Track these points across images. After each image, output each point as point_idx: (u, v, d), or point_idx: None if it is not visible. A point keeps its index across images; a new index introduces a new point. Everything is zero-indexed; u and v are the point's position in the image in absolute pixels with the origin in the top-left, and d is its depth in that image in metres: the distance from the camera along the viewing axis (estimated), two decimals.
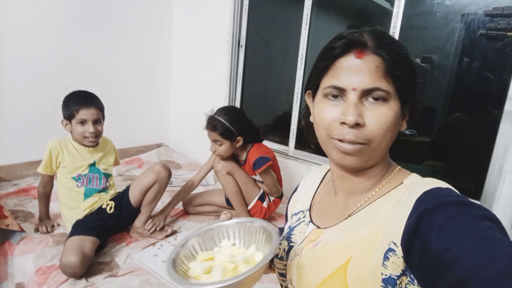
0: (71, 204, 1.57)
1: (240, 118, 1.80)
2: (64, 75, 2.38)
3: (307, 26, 2.22)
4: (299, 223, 0.73)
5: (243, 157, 1.86)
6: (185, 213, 2.00)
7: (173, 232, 1.74)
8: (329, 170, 0.79)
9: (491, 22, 0.97)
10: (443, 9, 1.73)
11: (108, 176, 1.67)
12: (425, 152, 2.06)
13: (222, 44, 2.62)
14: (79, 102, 1.54)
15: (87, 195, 1.58)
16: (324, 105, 0.59)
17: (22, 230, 1.56)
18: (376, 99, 0.55)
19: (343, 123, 0.56)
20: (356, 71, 0.55)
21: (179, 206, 2.06)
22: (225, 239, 0.70)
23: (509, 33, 0.94)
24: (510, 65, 1.55)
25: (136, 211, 1.67)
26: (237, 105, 2.73)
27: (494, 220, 0.47)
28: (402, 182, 0.60)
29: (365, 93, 0.55)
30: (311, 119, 0.66)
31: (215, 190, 2.08)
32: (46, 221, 1.66)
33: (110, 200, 1.64)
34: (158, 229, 1.71)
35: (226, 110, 1.80)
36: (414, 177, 0.61)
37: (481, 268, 0.40)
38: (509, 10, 0.93)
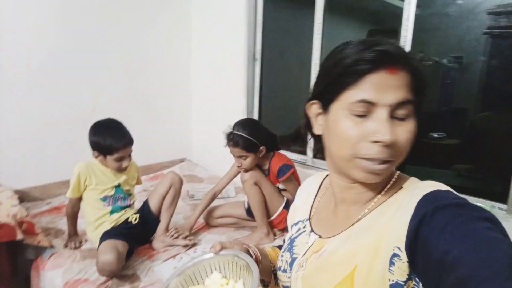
0: (99, 219, 1.65)
1: (258, 128, 1.83)
2: (91, 96, 2.53)
3: (319, 36, 2.23)
4: (299, 234, 0.73)
5: (266, 166, 1.89)
6: (206, 225, 2.03)
7: (193, 244, 1.77)
8: (325, 177, 0.79)
9: (495, 21, 0.94)
10: (455, 9, 1.68)
11: (130, 195, 1.77)
12: (454, 155, 1.98)
13: (238, 58, 2.68)
14: (118, 142, 1.59)
15: (113, 211, 1.68)
16: (349, 121, 0.55)
17: (51, 246, 1.66)
18: (403, 115, 0.54)
19: (376, 141, 0.53)
20: (390, 87, 0.53)
21: (201, 219, 2.10)
22: (216, 271, 0.70)
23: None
24: None
25: (158, 219, 1.76)
26: (255, 117, 2.77)
27: (493, 221, 0.47)
28: (401, 187, 0.60)
29: (395, 109, 0.53)
30: (316, 131, 0.64)
31: (235, 202, 2.11)
32: (74, 237, 1.74)
33: (134, 214, 1.73)
34: (181, 237, 1.77)
35: (244, 124, 1.81)
36: (412, 181, 0.61)
37: (482, 269, 0.40)
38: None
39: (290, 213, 0.83)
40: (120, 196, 1.69)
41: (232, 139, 1.76)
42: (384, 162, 0.54)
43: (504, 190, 1.67)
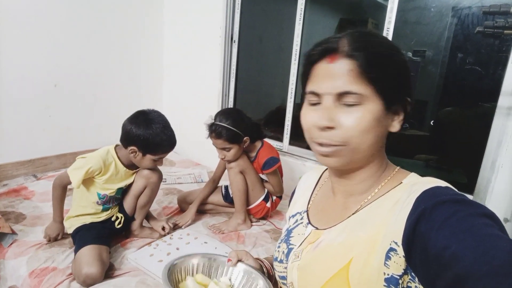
0: (84, 211, 1.51)
1: (241, 118, 1.75)
2: (54, 75, 2.33)
3: (301, 21, 2.20)
4: (297, 225, 0.73)
5: (253, 154, 1.85)
6: (180, 211, 1.99)
7: (168, 231, 1.72)
8: (324, 171, 0.79)
9: (487, 20, 0.97)
10: (437, 4, 1.73)
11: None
12: (417, 145, 2.07)
13: (215, 40, 2.59)
14: (169, 146, 1.49)
15: (102, 210, 1.54)
16: (306, 110, 0.62)
17: (13, 233, 1.53)
18: (351, 102, 0.56)
19: (320, 128, 0.58)
20: (329, 75, 0.57)
21: (174, 204, 2.05)
22: (226, 276, 0.75)
23: (506, 31, 0.94)
24: (504, 60, 1.56)
25: (133, 217, 1.64)
26: (231, 101, 2.71)
27: (492, 218, 0.48)
28: (401, 182, 0.60)
29: (339, 97, 0.56)
30: None
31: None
32: (59, 226, 1.52)
33: (118, 213, 1.60)
34: (184, 227, 1.76)
35: (227, 114, 1.73)
36: (413, 177, 0.61)
37: (480, 265, 0.41)
38: (506, 7, 0.93)
39: (290, 206, 0.82)
40: (116, 197, 1.55)
41: (214, 130, 1.68)
42: (334, 145, 0.57)
43: (469, 180, 1.78)
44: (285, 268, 0.69)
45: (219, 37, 2.56)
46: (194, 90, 2.84)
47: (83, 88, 2.51)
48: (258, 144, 1.87)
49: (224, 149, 1.71)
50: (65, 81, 2.39)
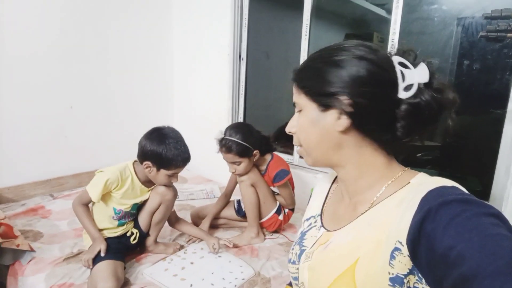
0: (101, 226, 1.53)
1: (251, 132, 1.77)
2: (68, 95, 2.42)
3: (307, 36, 2.25)
4: (310, 228, 0.75)
5: (263, 167, 1.86)
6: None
7: (182, 246, 1.73)
8: (337, 176, 0.80)
9: (489, 25, 0.99)
10: (440, 14, 1.76)
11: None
12: (430, 155, 2.06)
13: (223, 57, 2.66)
14: (182, 161, 1.50)
15: (118, 225, 1.57)
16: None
17: (32, 250, 1.56)
18: (298, 110, 0.68)
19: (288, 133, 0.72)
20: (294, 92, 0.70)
21: (188, 220, 2.06)
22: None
23: (509, 34, 0.96)
24: (510, 65, 1.57)
25: (147, 234, 1.65)
26: (241, 117, 2.75)
27: (499, 217, 0.47)
28: (409, 182, 0.60)
29: (295, 108, 0.70)
30: None
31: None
32: (101, 240, 1.45)
33: (133, 228, 1.62)
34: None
35: (236, 128, 1.75)
36: (421, 177, 0.61)
37: (486, 265, 0.41)
38: (507, 12, 0.95)
39: (306, 210, 0.84)
40: (131, 213, 1.58)
41: (225, 145, 1.70)
42: (299, 146, 0.70)
43: (484, 187, 1.76)
44: (297, 269, 0.71)
45: (228, 55, 2.63)
46: (204, 107, 2.90)
47: (96, 108, 2.59)
48: (268, 157, 1.88)
49: (234, 163, 1.72)
50: (79, 101, 2.48)
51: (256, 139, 1.76)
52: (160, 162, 1.47)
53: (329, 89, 0.61)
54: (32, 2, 2.16)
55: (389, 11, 1.86)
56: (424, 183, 0.57)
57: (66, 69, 2.38)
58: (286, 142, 2.70)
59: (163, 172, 1.49)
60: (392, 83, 0.59)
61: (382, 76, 0.60)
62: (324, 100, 0.62)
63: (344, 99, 0.60)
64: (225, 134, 1.73)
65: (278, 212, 1.87)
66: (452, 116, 0.61)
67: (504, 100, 1.61)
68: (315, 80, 0.64)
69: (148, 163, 1.49)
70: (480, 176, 1.85)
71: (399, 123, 0.60)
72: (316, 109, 0.64)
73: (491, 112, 1.75)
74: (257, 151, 1.76)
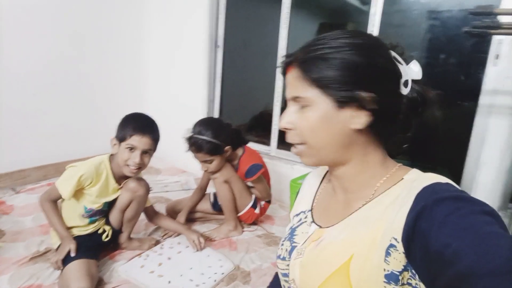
0: (70, 223, 1.44)
1: (221, 127, 1.69)
2: (32, 82, 2.25)
3: (287, 26, 2.21)
4: (300, 224, 0.74)
5: (235, 162, 1.81)
6: None
7: (157, 242, 1.68)
8: (328, 171, 0.79)
9: (471, 21, 1.01)
10: (418, 7, 1.78)
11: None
12: (401, 145, 2.11)
13: (199, 45, 2.57)
14: (136, 127, 1.40)
15: (89, 223, 1.48)
16: None
17: None
18: (302, 105, 0.61)
19: (281, 130, 0.66)
20: (288, 84, 0.64)
21: (163, 213, 1.99)
22: None
23: (492, 31, 0.97)
24: (483, 60, 1.62)
25: (120, 231, 1.58)
26: (217, 106, 2.69)
27: (493, 215, 0.47)
28: (402, 178, 0.60)
29: (295, 101, 0.62)
30: None
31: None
32: (70, 240, 1.37)
33: (105, 225, 1.54)
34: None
35: (206, 124, 1.65)
36: (414, 173, 0.61)
37: (481, 264, 0.41)
38: (490, 8, 0.96)
39: (294, 205, 0.83)
40: (102, 210, 1.49)
41: (194, 144, 1.61)
42: (296, 144, 0.64)
43: (454, 178, 1.83)
44: (288, 265, 0.70)
45: (203, 42, 2.54)
46: (179, 96, 2.80)
47: (63, 95, 2.43)
48: (240, 151, 1.82)
49: (206, 161, 1.65)
50: (43, 88, 2.31)
51: (227, 134, 1.69)
52: (120, 133, 1.42)
53: (352, 83, 0.56)
54: None
55: (363, 2, 1.85)
56: (418, 179, 0.56)
57: (30, 53, 2.20)
58: (261, 132, 2.68)
59: (123, 146, 1.41)
60: (399, 79, 0.60)
61: (395, 72, 0.59)
62: (343, 95, 0.57)
63: (367, 95, 0.57)
64: (193, 131, 1.64)
65: (254, 205, 1.84)
66: (435, 108, 0.63)
67: (476, 94, 1.67)
68: (334, 72, 0.57)
69: (114, 139, 1.44)
70: (450, 167, 1.93)
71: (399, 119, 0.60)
72: (330, 104, 0.58)
73: (462, 105, 1.81)
74: (229, 147, 1.69)
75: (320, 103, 0.59)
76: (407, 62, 0.60)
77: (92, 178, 1.38)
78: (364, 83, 0.56)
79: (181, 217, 1.84)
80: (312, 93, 0.59)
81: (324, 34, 0.61)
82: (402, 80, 0.59)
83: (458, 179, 1.80)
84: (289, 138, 0.65)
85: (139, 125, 1.42)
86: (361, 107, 0.57)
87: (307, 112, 0.60)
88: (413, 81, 0.60)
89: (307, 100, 0.60)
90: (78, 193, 1.41)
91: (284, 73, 0.65)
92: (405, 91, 0.59)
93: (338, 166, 0.65)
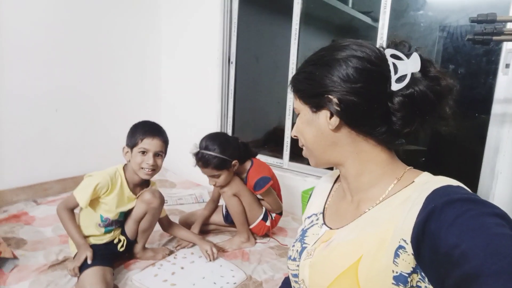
0: (87, 232, 1.49)
1: (228, 142, 1.71)
2: (53, 98, 2.36)
3: (296, 41, 2.27)
4: (312, 225, 0.75)
5: (244, 175, 1.81)
6: None
7: (171, 252, 1.70)
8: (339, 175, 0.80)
9: (476, 28, 1.03)
10: (426, 20, 1.81)
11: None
12: (415, 160, 2.10)
13: (212, 61, 2.65)
14: (146, 131, 1.47)
15: (105, 232, 1.52)
16: None
17: (15, 257, 1.50)
18: (298, 114, 0.70)
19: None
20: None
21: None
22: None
23: (494, 37, 0.99)
24: (494, 70, 1.62)
25: (135, 241, 1.62)
26: (230, 120, 2.74)
27: (503, 217, 0.47)
28: (413, 181, 0.60)
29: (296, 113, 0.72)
30: None
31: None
32: (87, 247, 1.41)
33: (121, 235, 1.58)
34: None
35: (212, 140, 1.66)
36: (425, 176, 0.61)
37: (490, 264, 0.40)
38: (492, 16, 0.98)
39: (306, 208, 0.84)
40: (118, 221, 1.54)
41: (201, 159, 1.63)
42: (303, 147, 0.72)
43: (470, 189, 1.80)
44: (298, 266, 0.70)
45: (217, 59, 2.62)
46: (192, 111, 2.88)
47: (82, 111, 2.53)
48: (248, 164, 1.82)
49: (213, 176, 1.67)
50: (64, 104, 2.42)
51: (234, 148, 1.70)
52: (130, 140, 1.48)
53: (317, 90, 0.64)
54: (20, 2, 2.11)
55: (374, 19, 1.89)
56: (429, 182, 0.57)
57: (51, 70, 2.32)
58: (275, 146, 2.71)
59: (135, 151, 1.46)
60: (383, 76, 0.59)
61: (372, 71, 0.60)
62: (314, 102, 0.65)
63: (333, 99, 0.62)
64: (200, 147, 1.66)
65: (265, 218, 1.84)
66: (449, 103, 0.61)
67: (488, 103, 1.66)
68: (306, 83, 0.66)
69: (125, 148, 1.50)
70: (465, 179, 1.89)
71: (394, 116, 0.60)
72: (309, 110, 0.67)
73: (476, 116, 1.80)
74: (236, 161, 1.70)
75: (303, 111, 0.69)
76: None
77: (107, 186, 1.43)
78: (327, 89, 0.62)
79: (195, 228, 1.86)
80: (298, 103, 0.70)
81: (317, 52, 0.69)
82: (396, 76, 0.59)
83: (474, 190, 1.77)
84: (299, 144, 0.74)
85: (148, 129, 1.50)
86: (331, 110, 0.62)
87: (298, 119, 0.71)
88: (425, 77, 0.59)
89: (297, 109, 0.71)
90: (94, 202, 1.46)
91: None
92: (395, 86, 0.58)
93: (339, 166, 0.70)
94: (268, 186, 1.77)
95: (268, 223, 1.85)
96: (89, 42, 2.50)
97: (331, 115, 0.63)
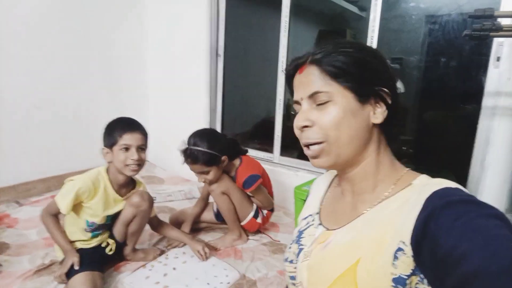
0: (74, 237, 1.44)
1: (217, 138, 1.69)
2: (34, 94, 2.26)
3: (286, 33, 2.23)
4: (308, 226, 0.74)
5: (233, 173, 1.78)
6: None
7: (162, 252, 1.67)
8: (336, 174, 0.79)
9: (471, 24, 1.01)
10: (417, 12, 1.79)
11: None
12: (402, 150, 2.11)
13: (199, 54, 2.59)
14: (124, 127, 1.41)
15: (92, 237, 1.47)
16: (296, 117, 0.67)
17: None
18: (321, 101, 0.61)
19: (299, 129, 0.64)
20: (301, 83, 0.64)
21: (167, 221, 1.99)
22: None
23: (492, 33, 0.98)
24: (485, 63, 1.62)
25: (124, 243, 1.57)
26: (219, 115, 2.70)
27: (502, 218, 0.48)
28: (411, 183, 0.60)
29: (312, 99, 0.62)
30: None
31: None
32: (73, 253, 1.37)
33: (109, 238, 1.53)
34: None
35: (201, 136, 1.63)
36: (423, 178, 0.61)
37: (489, 265, 0.41)
38: (490, 11, 0.96)
39: (302, 210, 0.83)
40: (105, 224, 1.48)
41: (190, 156, 1.59)
42: (313, 144, 0.62)
43: (459, 181, 1.82)
44: (295, 268, 0.70)
45: (203, 51, 2.56)
46: (180, 106, 2.81)
47: (65, 109, 2.44)
48: (237, 162, 1.80)
49: (202, 173, 1.64)
50: (47, 101, 2.33)
51: (222, 144, 1.67)
52: (108, 140, 1.41)
53: (375, 80, 0.61)
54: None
55: (361, 8, 1.86)
56: (427, 184, 0.57)
57: (32, 67, 2.23)
58: (263, 139, 2.68)
59: (116, 150, 1.40)
60: (396, 84, 0.66)
61: (395, 78, 0.66)
62: (367, 90, 0.61)
63: (385, 92, 0.62)
64: (188, 143, 1.63)
65: (255, 215, 1.82)
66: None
67: (479, 96, 1.66)
68: (356, 68, 0.61)
69: (104, 149, 1.43)
70: (455, 171, 1.92)
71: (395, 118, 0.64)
72: (352, 98, 0.60)
73: (466, 108, 1.81)
74: (225, 156, 1.67)
75: (341, 98, 0.60)
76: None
77: (89, 191, 1.38)
78: (381, 81, 0.62)
79: (186, 227, 1.83)
80: (332, 88, 0.60)
81: (335, 40, 0.65)
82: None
83: (463, 182, 1.79)
84: (306, 138, 0.63)
85: (126, 124, 1.44)
86: (379, 102, 0.62)
87: (328, 107, 0.61)
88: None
89: (328, 95, 0.60)
90: (78, 207, 1.40)
91: (292, 75, 0.67)
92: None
93: (352, 166, 0.65)
94: (257, 184, 1.74)
95: (259, 220, 1.83)
96: (71, 35, 2.40)
97: (375, 109, 0.62)
